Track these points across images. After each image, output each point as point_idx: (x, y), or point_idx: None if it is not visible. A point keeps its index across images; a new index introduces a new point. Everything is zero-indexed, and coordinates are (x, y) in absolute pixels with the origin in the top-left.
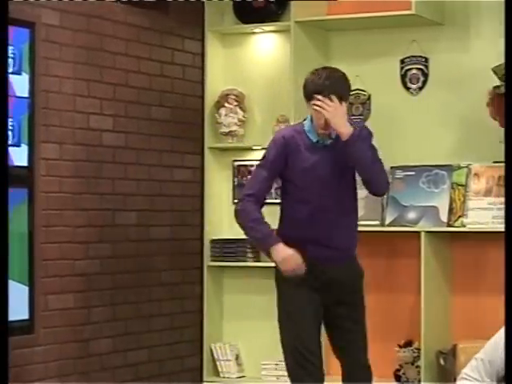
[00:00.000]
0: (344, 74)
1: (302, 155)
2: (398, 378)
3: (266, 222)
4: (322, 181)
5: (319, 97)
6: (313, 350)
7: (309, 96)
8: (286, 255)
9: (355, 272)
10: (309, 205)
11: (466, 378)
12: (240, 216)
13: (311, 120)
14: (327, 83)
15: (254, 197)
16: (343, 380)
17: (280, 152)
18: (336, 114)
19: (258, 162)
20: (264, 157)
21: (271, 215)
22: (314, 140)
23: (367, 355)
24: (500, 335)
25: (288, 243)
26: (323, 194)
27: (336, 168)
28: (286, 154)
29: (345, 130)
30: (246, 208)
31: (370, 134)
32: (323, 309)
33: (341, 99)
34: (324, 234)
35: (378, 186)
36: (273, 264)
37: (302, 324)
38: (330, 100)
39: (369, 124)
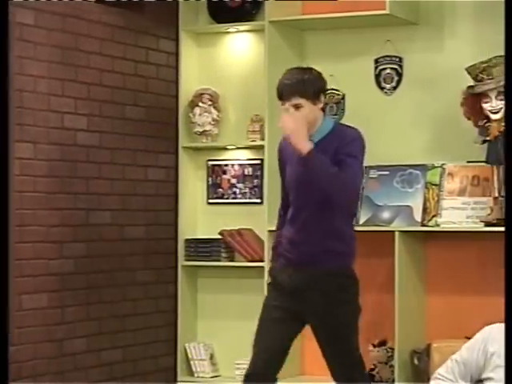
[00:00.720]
0: (312, 75)
1: (288, 160)
2: (371, 377)
3: None
4: (301, 187)
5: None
6: (260, 371)
7: (278, 98)
8: None
9: (334, 281)
10: (293, 208)
11: (439, 378)
12: None
13: None
14: (287, 83)
15: None
16: None
17: (279, 158)
18: (293, 130)
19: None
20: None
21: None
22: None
23: (357, 369)
24: (476, 340)
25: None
26: (303, 198)
27: (312, 174)
28: (280, 159)
29: (301, 147)
30: None
31: (357, 143)
32: (299, 315)
33: (308, 99)
34: (300, 235)
35: (337, 201)
36: (247, 264)
37: (260, 342)
38: (295, 107)
39: (343, 123)
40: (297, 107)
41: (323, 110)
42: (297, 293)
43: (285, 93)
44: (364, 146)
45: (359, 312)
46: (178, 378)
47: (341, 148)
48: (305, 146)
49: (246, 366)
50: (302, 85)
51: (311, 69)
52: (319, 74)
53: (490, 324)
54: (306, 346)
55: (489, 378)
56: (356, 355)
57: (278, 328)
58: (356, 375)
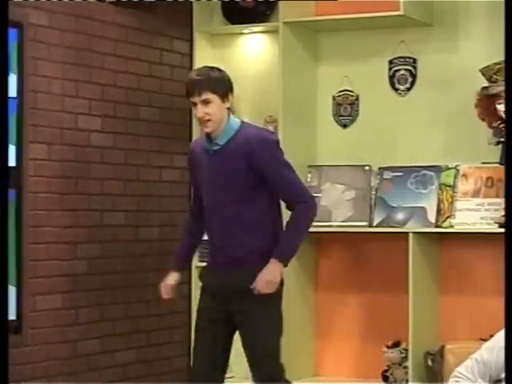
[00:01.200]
0: (221, 74)
1: (199, 163)
2: (385, 378)
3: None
4: (213, 187)
5: None
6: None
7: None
8: None
9: (251, 279)
10: (206, 211)
11: (459, 377)
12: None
13: None
14: (199, 79)
15: None
16: None
17: (189, 161)
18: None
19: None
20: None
21: None
22: (206, 147)
23: (274, 365)
24: (497, 338)
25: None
26: (215, 201)
27: (226, 174)
28: (190, 162)
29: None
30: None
31: (272, 145)
32: (229, 316)
33: (218, 96)
34: (217, 238)
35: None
36: None
37: (197, 343)
38: (205, 102)
39: (357, 124)
40: (206, 102)
41: (229, 110)
42: (225, 294)
43: (196, 88)
44: (278, 142)
45: (281, 316)
46: None
47: (260, 155)
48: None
49: None
50: (214, 81)
51: (219, 68)
52: (227, 74)
53: None
54: (321, 347)
55: None
56: (276, 357)
57: (214, 329)
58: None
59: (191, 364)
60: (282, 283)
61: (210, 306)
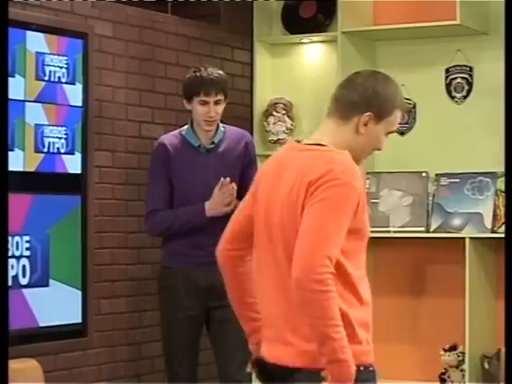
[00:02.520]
0: (223, 73)
1: (183, 161)
2: (443, 380)
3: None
4: (205, 185)
5: None
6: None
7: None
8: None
9: None
10: None
11: None
12: (155, 228)
13: (191, 125)
14: (213, 78)
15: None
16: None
17: (163, 160)
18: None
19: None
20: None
21: None
22: (196, 144)
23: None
24: None
25: (172, 248)
26: (206, 199)
27: (219, 172)
28: (168, 160)
29: None
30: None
31: (252, 145)
32: (206, 313)
33: (225, 97)
34: (203, 237)
35: None
36: None
37: (175, 333)
38: (216, 103)
39: (415, 132)
40: (217, 103)
41: None
42: (203, 292)
43: (213, 87)
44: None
45: None
46: None
47: (247, 152)
48: None
49: None
50: (225, 82)
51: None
52: None
53: None
54: (380, 351)
55: None
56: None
57: (188, 327)
58: (241, 376)
59: (168, 362)
60: None
61: (187, 304)
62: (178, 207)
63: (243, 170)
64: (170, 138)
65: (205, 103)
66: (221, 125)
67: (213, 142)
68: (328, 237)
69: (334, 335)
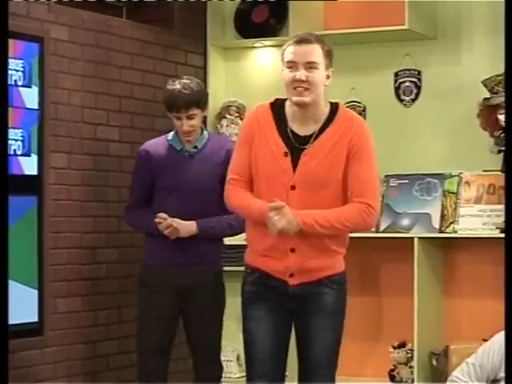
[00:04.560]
0: (199, 85)
1: (166, 163)
2: (392, 377)
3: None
4: (187, 188)
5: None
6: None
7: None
8: None
9: (209, 278)
10: (171, 210)
11: (455, 381)
12: (130, 224)
13: (176, 131)
14: (185, 94)
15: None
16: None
17: (145, 165)
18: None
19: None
20: (132, 171)
21: None
22: (178, 148)
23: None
24: (492, 342)
25: (152, 247)
26: (185, 200)
27: (199, 176)
28: (150, 166)
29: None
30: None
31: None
32: (182, 310)
33: (201, 109)
34: (182, 238)
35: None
36: None
37: (149, 330)
38: (189, 117)
39: None
40: (191, 118)
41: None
42: (179, 292)
43: (183, 104)
44: None
45: (224, 309)
46: None
47: (227, 159)
48: (191, 230)
49: None
50: (198, 96)
51: (195, 79)
52: (202, 84)
53: None
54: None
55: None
56: (218, 351)
57: (163, 325)
58: (214, 369)
59: (142, 362)
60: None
61: (164, 303)
62: (158, 206)
63: (224, 174)
64: (153, 144)
65: (178, 118)
66: (205, 131)
67: (195, 147)
68: None
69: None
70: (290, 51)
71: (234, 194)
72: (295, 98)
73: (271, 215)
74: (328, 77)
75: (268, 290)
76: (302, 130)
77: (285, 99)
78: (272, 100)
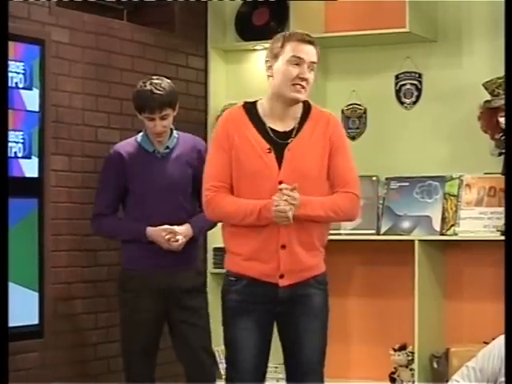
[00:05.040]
0: (171, 85)
1: (139, 166)
2: (393, 380)
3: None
4: (159, 189)
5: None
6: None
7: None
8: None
9: (193, 278)
10: (147, 213)
11: None
12: (100, 231)
13: (145, 132)
14: (158, 94)
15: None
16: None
17: (117, 168)
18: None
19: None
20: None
21: None
22: (150, 150)
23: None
24: (492, 346)
25: (132, 251)
26: (161, 202)
27: (173, 176)
28: (123, 169)
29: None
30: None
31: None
32: (167, 313)
33: (173, 109)
34: None
35: None
36: None
37: (134, 333)
38: (163, 118)
39: (365, 137)
40: (163, 118)
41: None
42: (162, 293)
43: (157, 104)
44: None
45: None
46: None
47: (200, 159)
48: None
49: (272, 369)
50: (171, 96)
51: (165, 78)
52: (171, 82)
53: None
54: (330, 350)
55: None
56: (209, 352)
57: (148, 329)
58: (206, 372)
59: (129, 365)
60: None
61: (150, 306)
62: (133, 210)
63: (196, 174)
64: (124, 146)
65: (151, 119)
66: (174, 131)
67: (167, 147)
68: None
69: None
70: (298, 48)
71: (220, 200)
72: (293, 94)
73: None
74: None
75: (256, 298)
76: (281, 127)
77: (254, 101)
78: (242, 103)
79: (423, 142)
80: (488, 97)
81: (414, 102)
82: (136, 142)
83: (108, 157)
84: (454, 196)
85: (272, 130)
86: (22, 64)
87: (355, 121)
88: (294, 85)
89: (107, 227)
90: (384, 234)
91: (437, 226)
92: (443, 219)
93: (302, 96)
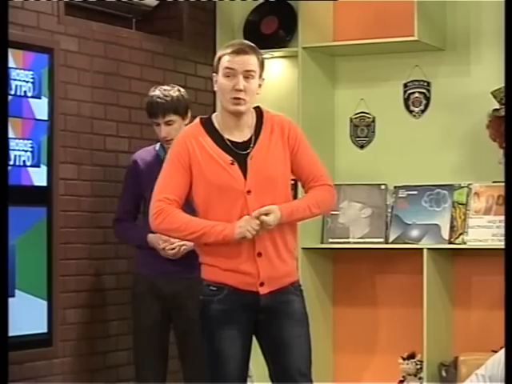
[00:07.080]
0: (180, 93)
1: (153, 173)
2: None
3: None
4: None
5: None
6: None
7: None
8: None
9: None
10: None
11: None
12: (119, 236)
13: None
14: (161, 101)
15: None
16: None
17: (133, 175)
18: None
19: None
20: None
21: None
22: (163, 157)
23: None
24: (501, 354)
25: (141, 256)
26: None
27: None
28: (138, 176)
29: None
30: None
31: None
32: (172, 320)
33: (179, 116)
34: None
35: None
36: None
37: (143, 339)
38: (167, 123)
39: (374, 145)
40: (168, 124)
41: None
42: (167, 299)
43: (160, 110)
44: None
45: None
46: None
47: None
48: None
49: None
50: (176, 102)
51: (177, 86)
52: (185, 92)
53: None
54: (338, 360)
55: None
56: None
57: (156, 332)
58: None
59: (139, 368)
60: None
61: (155, 311)
62: (147, 217)
63: None
64: (141, 153)
65: (157, 124)
66: None
67: None
68: None
69: None
70: (230, 59)
71: (174, 213)
72: (232, 107)
73: (265, 219)
74: (260, 86)
75: (238, 306)
76: (238, 137)
77: (209, 116)
78: (197, 120)
79: (432, 150)
80: (496, 105)
81: (423, 111)
82: (154, 150)
83: (127, 164)
84: (462, 204)
85: (230, 141)
86: (31, 73)
87: (364, 129)
88: (231, 98)
89: (120, 232)
90: (392, 243)
91: (445, 234)
92: (452, 228)
93: (242, 107)
